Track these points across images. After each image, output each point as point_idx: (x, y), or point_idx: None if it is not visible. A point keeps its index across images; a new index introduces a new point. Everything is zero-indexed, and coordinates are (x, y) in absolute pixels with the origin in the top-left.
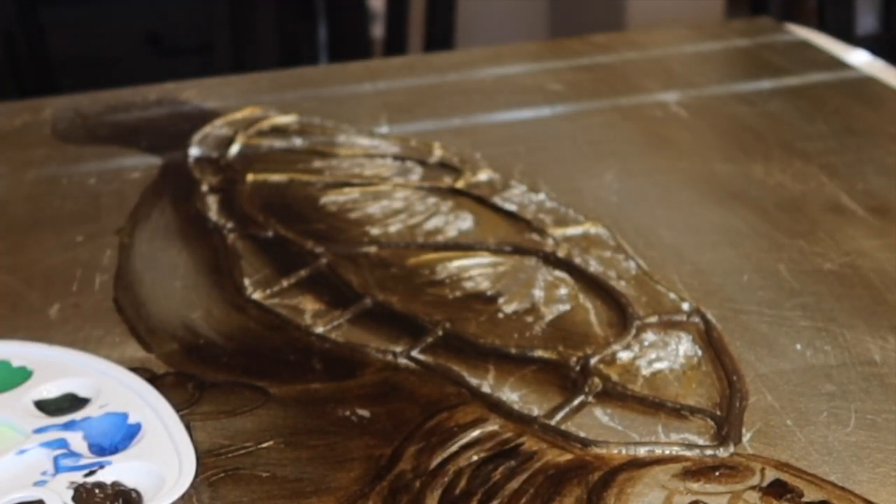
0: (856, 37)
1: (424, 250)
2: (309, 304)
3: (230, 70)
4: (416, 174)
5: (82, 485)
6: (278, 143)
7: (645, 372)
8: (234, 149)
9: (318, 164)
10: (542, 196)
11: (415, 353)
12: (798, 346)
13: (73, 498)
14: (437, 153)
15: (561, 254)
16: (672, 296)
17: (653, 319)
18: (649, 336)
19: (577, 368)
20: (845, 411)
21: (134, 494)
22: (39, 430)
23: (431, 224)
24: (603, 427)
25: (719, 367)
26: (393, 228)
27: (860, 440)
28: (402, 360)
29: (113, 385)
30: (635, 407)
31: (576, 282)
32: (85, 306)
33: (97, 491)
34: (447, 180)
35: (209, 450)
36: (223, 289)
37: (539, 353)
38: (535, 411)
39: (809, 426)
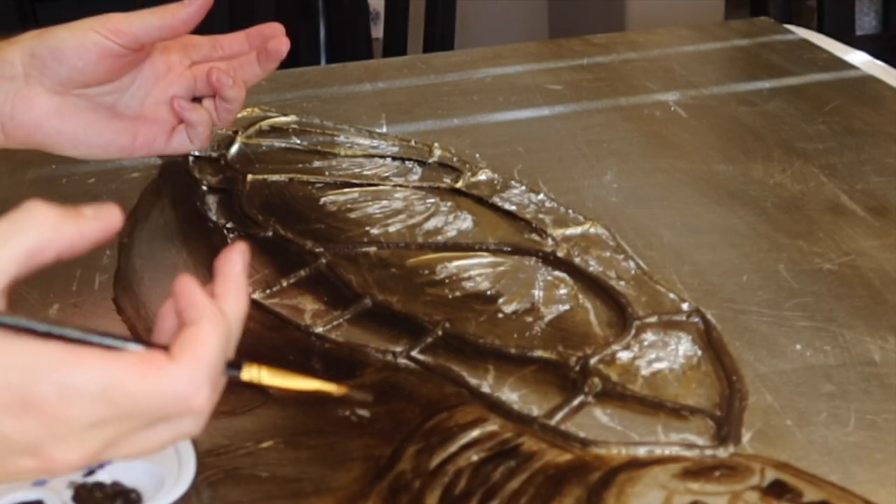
0: (856, 37)
1: (424, 250)
2: (309, 304)
3: None
4: (416, 174)
5: (82, 485)
6: (278, 143)
7: (645, 372)
8: (234, 149)
9: (318, 164)
10: (541, 196)
11: (415, 353)
12: (798, 346)
13: (73, 498)
14: (437, 153)
15: (560, 254)
16: (672, 296)
17: (652, 319)
18: (649, 336)
19: (577, 368)
20: (845, 411)
21: (133, 494)
22: None
23: (431, 224)
24: (603, 427)
25: (719, 368)
26: (393, 228)
27: (860, 440)
28: (402, 360)
29: None
30: (635, 407)
31: (575, 282)
32: (84, 306)
33: (97, 491)
34: (447, 180)
35: (209, 450)
36: None
37: (539, 353)
38: (535, 411)
39: (809, 426)
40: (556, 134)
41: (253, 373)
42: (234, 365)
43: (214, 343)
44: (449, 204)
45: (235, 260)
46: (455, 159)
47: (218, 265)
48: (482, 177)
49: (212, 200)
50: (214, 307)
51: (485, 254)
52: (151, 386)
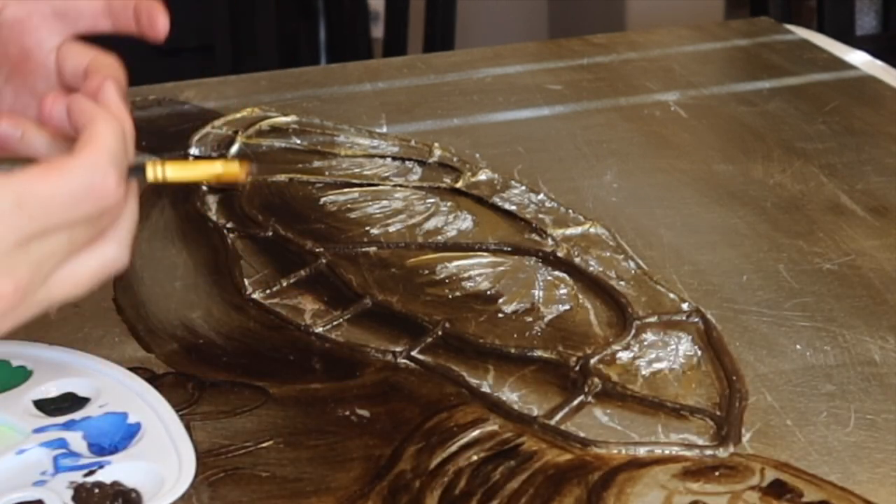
0: (856, 37)
1: (424, 250)
2: (309, 304)
3: (230, 70)
4: (416, 174)
5: (82, 485)
6: (278, 143)
7: (644, 372)
8: (234, 149)
9: (318, 164)
10: (541, 196)
11: (415, 353)
12: (798, 346)
13: (73, 498)
14: (437, 153)
15: (560, 254)
16: (672, 296)
17: (652, 319)
18: (649, 336)
19: (577, 368)
20: (845, 411)
21: (133, 494)
22: (39, 430)
23: (431, 224)
24: (603, 427)
25: (719, 368)
26: (393, 228)
27: (860, 440)
28: (402, 360)
29: (112, 385)
30: (635, 407)
31: (575, 282)
32: (84, 306)
33: (97, 491)
34: (447, 180)
35: (209, 450)
36: (223, 289)
37: (539, 353)
38: (535, 411)
39: (809, 426)
40: (556, 134)
41: (157, 171)
42: (138, 168)
43: (109, 134)
44: (449, 204)
45: (109, 91)
46: (455, 159)
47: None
48: (482, 177)
49: (212, 200)
50: (102, 108)
51: (485, 254)
52: (59, 182)
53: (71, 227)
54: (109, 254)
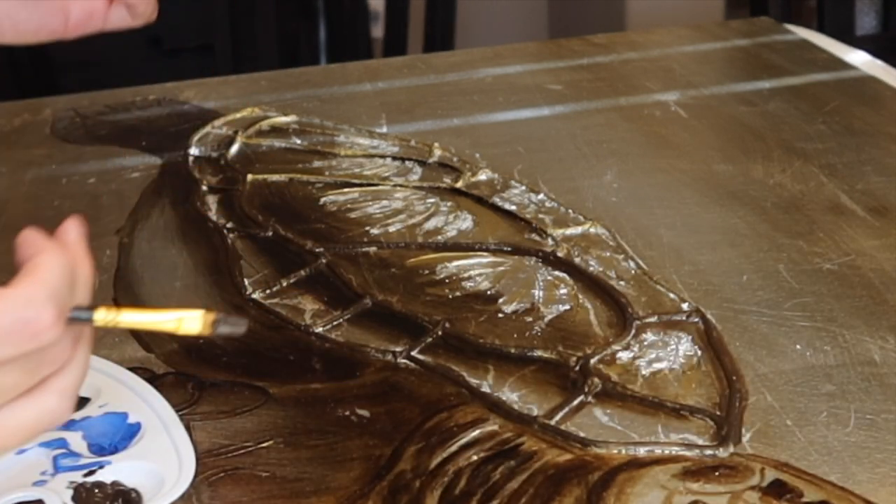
0: (856, 37)
1: (424, 250)
2: (309, 304)
3: (230, 70)
4: (416, 174)
5: (82, 484)
6: (278, 143)
7: (644, 372)
8: (234, 149)
9: (318, 164)
10: (541, 196)
11: (415, 353)
12: (798, 346)
13: (73, 498)
14: (437, 153)
15: (561, 254)
16: (672, 296)
17: (652, 319)
18: (649, 336)
19: (577, 368)
20: (845, 411)
21: (133, 494)
22: None
23: (431, 224)
24: (603, 427)
25: (719, 368)
26: (393, 228)
27: (860, 440)
28: (402, 360)
29: (113, 385)
30: (635, 407)
31: (575, 282)
32: None
33: (97, 491)
34: (447, 180)
35: (209, 450)
36: (223, 289)
37: (539, 352)
38: (535, 411)
39: (809, 426)
40: (556, 134)
41: (109, 315)
42: (88, 309)
43: (53, 268)
44: (449, 204)
45: (70, 228)
46: (455, 159)
47: (56, 237)
48: (482, 177)
49: (212, 200)
50: (54, 243)
51: (485, 254)
52: None
53: (1, 368)
54: (49, 405)
